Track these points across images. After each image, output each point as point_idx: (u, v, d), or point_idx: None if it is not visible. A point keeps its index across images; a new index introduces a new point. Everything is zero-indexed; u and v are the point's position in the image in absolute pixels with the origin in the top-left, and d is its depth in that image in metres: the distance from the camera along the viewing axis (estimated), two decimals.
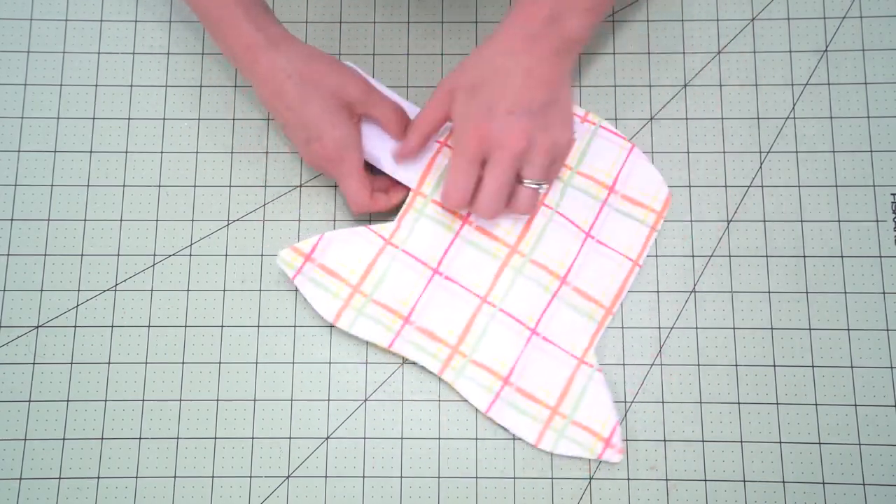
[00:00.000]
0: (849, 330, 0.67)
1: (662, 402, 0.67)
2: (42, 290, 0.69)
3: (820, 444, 0.66)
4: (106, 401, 0.67)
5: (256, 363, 0.68)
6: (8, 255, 0.69)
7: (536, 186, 0.62)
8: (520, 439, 0.66)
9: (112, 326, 0.68)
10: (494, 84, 0.59)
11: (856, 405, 0.66)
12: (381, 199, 0.66)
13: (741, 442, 0.66)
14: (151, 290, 0.69)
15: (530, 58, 0.59)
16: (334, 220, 0.70)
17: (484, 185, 0.61)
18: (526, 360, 0.65)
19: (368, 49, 0.73)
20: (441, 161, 0.67)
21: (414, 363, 0.67)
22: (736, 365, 0.67)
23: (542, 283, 0.66)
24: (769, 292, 0.68)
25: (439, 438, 0.66)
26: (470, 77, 0.60)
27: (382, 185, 0.67)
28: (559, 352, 0.65)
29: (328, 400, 0.67)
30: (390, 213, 0.68)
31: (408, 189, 0.67)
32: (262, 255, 0.69)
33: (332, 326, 0.68)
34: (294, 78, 0.62)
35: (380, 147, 0.67)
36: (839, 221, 0.69)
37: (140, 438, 0.66)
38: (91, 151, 0.71)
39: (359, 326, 0.65)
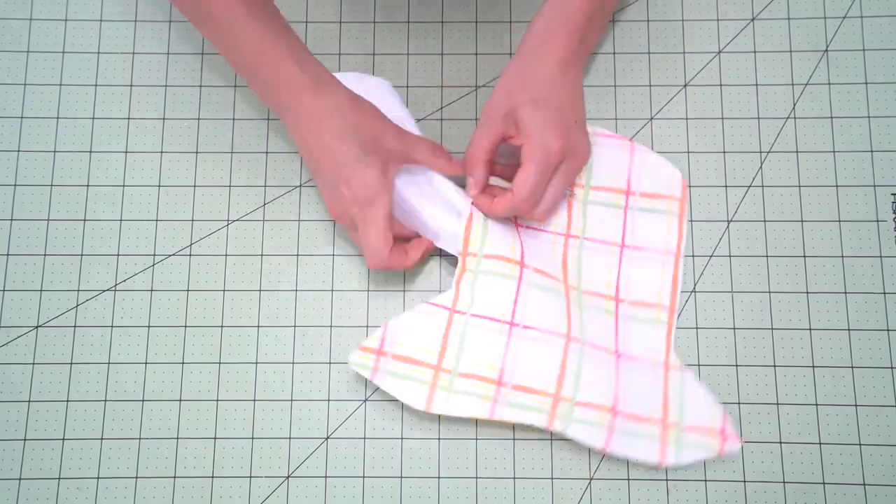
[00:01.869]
0: (849, 330, 0.67)
1: None
2: (42, 290, 0.69)
3: (820, 444, 0.66)
4: (106, 401, 0.67)
5: (256, 363, 0.68)
6: (8, 255, 0.69)
7: (569, 194, 0.67)
8: (520, 439, 0.66)
9: (112, 326, 0.68)
10: (555, 98, 0.62)
11: (856, 405, 0.66)
12: (398, 255, 0.64)
13: (741, 442, 0.66)
14: (151, 290, 0.69)
15: (571, 77, 0.63)
16: (334, 221, 0.70)
17: (551, 191, 0.63)
18: (624, 384, 0.64)
19: (368, 49, 0.73)
20: (479, 217, 0.65)
21: None
22: (736, 365, 0.67)
23: (602, 308, 0.66)
24: (769, 292, 0.68)
25: (439, 438, 0.66)
26: (528, 94, 0.62)
27: (401, 241, 0.66)
28: (646, 365, 0.65)
29: (328, 400, 0.67)
30: (407, 271, 0.69)
31: (426, 244, 0.66)
32: (261, 255, 0.69)
33: (331, 326, 0.68)
34: (336, 119, 0.61)
35: (420, 219, 0.66)
36: (839, 221, 0.69)
37: (140, 438, 0.66)
38: (91, 151, 0.71)
39: (453, 404, 0.62)
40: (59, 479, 0.66)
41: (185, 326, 0.68)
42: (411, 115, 0.68)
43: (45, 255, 0.69)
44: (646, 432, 0.63)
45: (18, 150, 0.71)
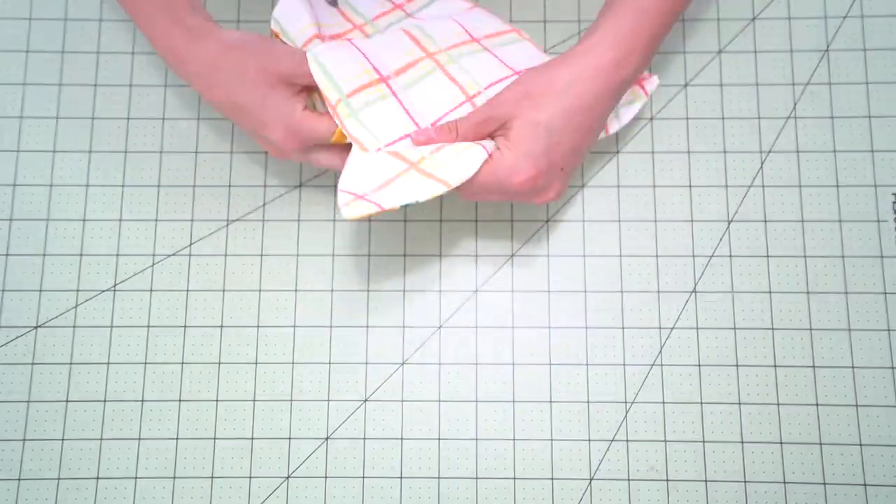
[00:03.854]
0: (850, 330, 0.67)
1: (663, 403, 0.66)
2: (41, 290, 0.69)
3: (821, 444, 0.66)
4: (105, 401, 0.67)
5: (256, 363, 0.68)
6: (7, 255, 0.69)
7: None
8: (520, 439, 0.66)
9: (111, 326, 0.68)
10: (558, 133, 0.58)
11: (857, 405, 0.66)
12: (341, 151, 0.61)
13: (741, 442, 0.66)
14: (151, 290, 0.69)
15: (597, 113, 0.59)
16: (334, 220, 0.70)
17: (486, 198, 0.61)
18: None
19: None
20: (315, 64, 0.60)
21: (413, 363, 0.67)
22: (736, 365, 0.67)
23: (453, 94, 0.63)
24: (770, 292, 0.68)
25: (439, 438, 0.66)
26: (538, 113, 0.57)
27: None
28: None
29: (328, 400, 0.67)
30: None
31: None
32: (261, 255, 0.69)
33: (331, 326, 0.68)
34: (222, 69, 0.58)
35: None
36: (840, 221, 0.69)
37: (139, 438, 0.66)
38: (90, 151, 0.71)
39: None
40: (59, 479, 0.66)
41: (185, 326, 0.68)
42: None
43: (44, 255, 0.69)
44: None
45: (18, 150, 0.71)
